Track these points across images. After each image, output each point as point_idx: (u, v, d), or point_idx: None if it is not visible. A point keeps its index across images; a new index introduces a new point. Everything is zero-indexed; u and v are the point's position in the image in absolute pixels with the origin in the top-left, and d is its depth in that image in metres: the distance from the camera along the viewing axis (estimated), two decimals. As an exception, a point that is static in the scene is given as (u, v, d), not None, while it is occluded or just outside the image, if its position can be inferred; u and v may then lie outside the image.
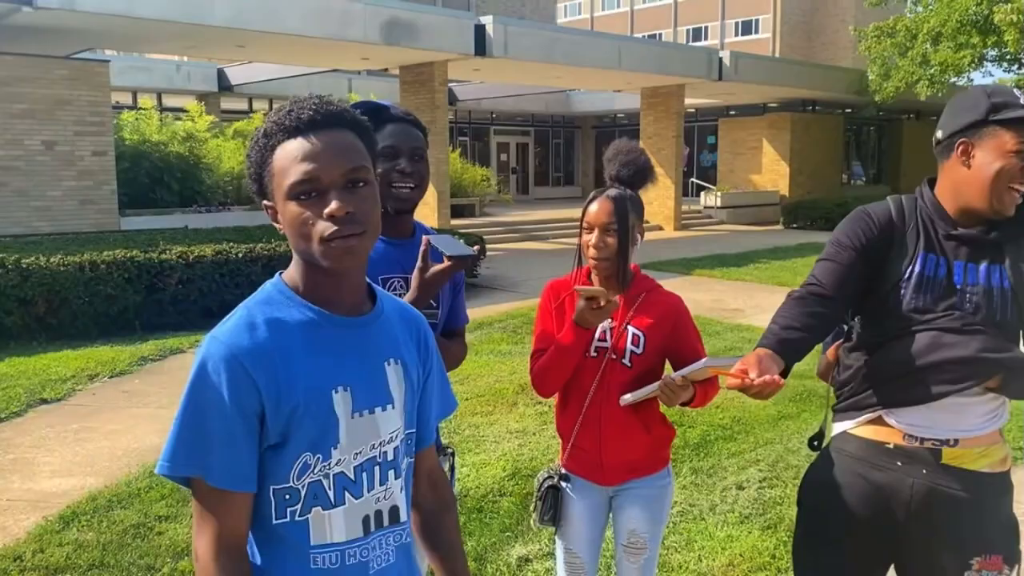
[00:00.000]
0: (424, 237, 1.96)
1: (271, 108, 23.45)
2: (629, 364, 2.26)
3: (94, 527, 3.83)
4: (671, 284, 10.45)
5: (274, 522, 1.30)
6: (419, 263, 1.94)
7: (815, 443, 2.21)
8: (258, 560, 1.33)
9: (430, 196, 15.87)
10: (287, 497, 1.29)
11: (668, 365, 2.35)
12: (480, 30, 14.93)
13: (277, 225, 1.33)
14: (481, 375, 6.47)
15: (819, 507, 2.07)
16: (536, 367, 2.31)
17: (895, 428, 1.95)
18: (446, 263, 1.94)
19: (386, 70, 18.76)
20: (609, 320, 2.26)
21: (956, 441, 1.91)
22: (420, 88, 15.71)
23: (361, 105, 1.97)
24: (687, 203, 22.57)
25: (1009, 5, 17.33)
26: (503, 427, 5.23)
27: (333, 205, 1.25)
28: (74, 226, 12.10)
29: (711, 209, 23.09)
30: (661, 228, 20.68)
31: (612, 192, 2.27)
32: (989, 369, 1.86)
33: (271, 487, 1.29)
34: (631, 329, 2.27)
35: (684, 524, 3.85)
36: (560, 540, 2.39)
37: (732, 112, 26.19)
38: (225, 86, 21.62)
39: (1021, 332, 1.94)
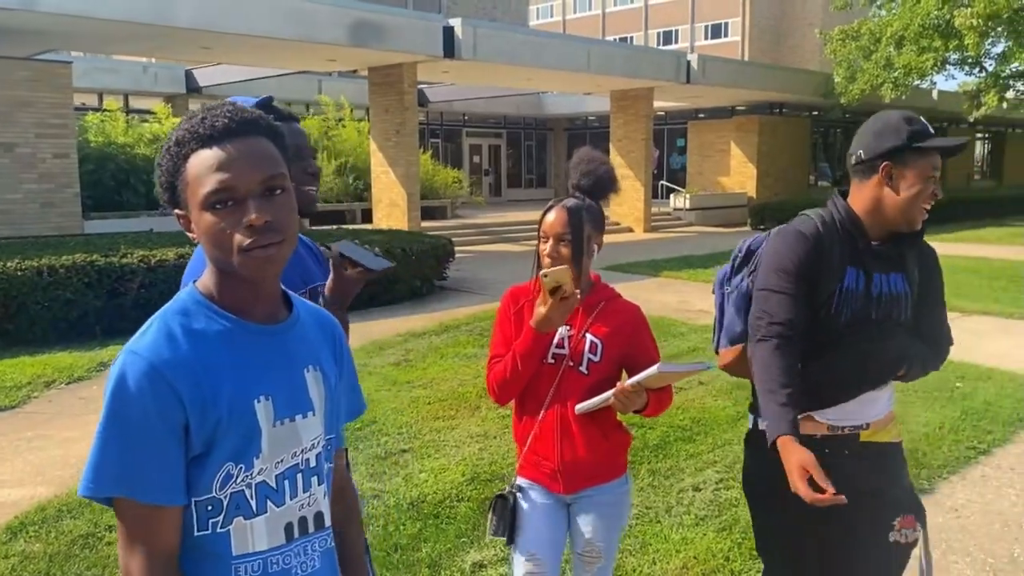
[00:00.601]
0: (333, 247, 1.93)
1: (240, 110, 23.25)
2: (586, 372, 2.27)
3: (42, 538, 3.76)
4: (639, 286, 10.55)
5: (196, 534, 1.29)
6: (333, 274, 1.91)
7: (747, 442, 2.38)
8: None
9: (399, 198, 15.84)
10: (209, 508, 1.28)
11: (624, 374, 2.35)
12: (449, 32, 14.91)
13: (191, 234, 1.31)
14: (445, 379, 6.46)
15: (766, 497, 2.25)
16: (493, 374, 2.31)
17: (821, 422, 2.19)
18: (358, 273, 1.92)
19: (355, 71, 18.68)
20: (567, 327, 2.27)
21: (868, 425, 2.21)
22: (389, 90, 15.65)
23: (261, 104, 1.91)
24: (657, 205, 22.70)
25: (969, 9, 17.62)
26: (465, 431, 5.22)
27: (252, 215, 1.24)
28: (36, 230, 11.91)
29: (680, 211, 23.24)
30: (631, 230, 20.77)
31: (569, 202, 2.28)
32: (903, 366, 2.18)
33: (193, 499, 1.27)
34: (589, 337, 2.28)
35: (640, 527, 3.86)
36: (518, 549, 2.35)
37: (701, 115, 26.39)
38: (193, 88, 21.38)
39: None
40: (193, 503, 1.27)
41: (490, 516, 2.38)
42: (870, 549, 2.18)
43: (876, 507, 2.17)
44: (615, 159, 21.07)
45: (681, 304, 10.00)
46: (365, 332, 8.31)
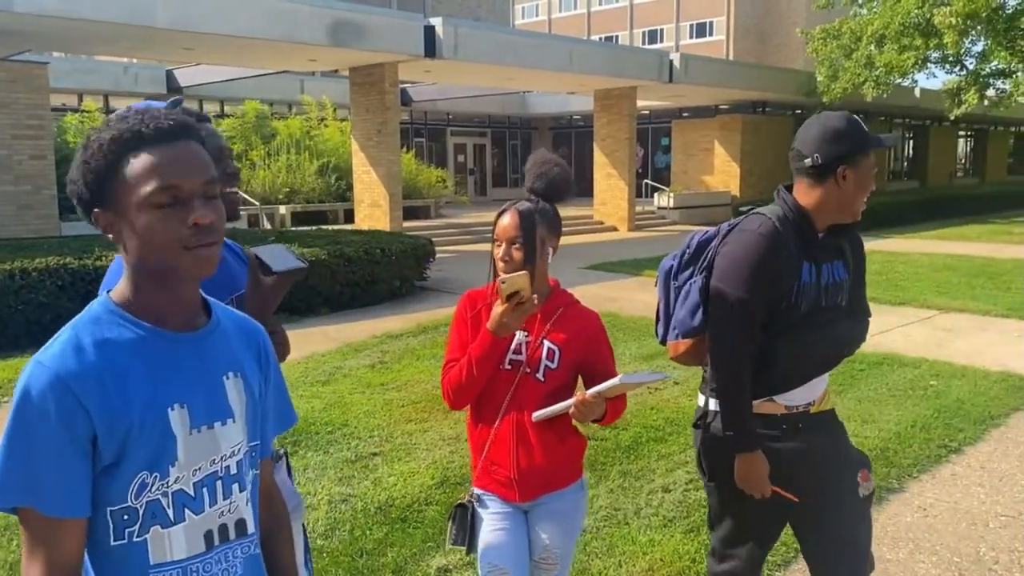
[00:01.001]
0: (250, 251, 1.90)
1: (222, 110, 23.14)
2: (543, 378, 2.25)
3: (3, 546, 3.72)
4: (620, 285, 10.54)
5: (112, 544, 1.27)
6: (249, 280, 1.87)
7: (699, 424, 2.42)
8: None
9: (381, 198, 15.79)
10: (125, 518, 1.27)
11: (581, 382, 2.34)
12: (430, 31, 14.86)
13: (110, 235, 1.30)
14: (420, 381, 6.43)
15: (729, 476, 2.34)
16: (448, 378, 2.28)
17: (779, 403, 2.32)
18: (275, 279, 1.87)
19: (336, 71, 18.61)
20: (525, 333, 2.25)
21: (815, 401, 2.36)
22: (370, 89, 15.60)
23: (172, 106, 1.87)
24: (641, 204, 22.73)
25: (948, 8, 17.72)
26: (437, 434, 5.19)
27: (197, 214, 1.25)
28: (11, 232, 11.81)
29: (664, 210, 23.28)
30: (615, 229, 20.80)
31: (522, 206, 2.26)
32: (849, 349, 2.39)
33: (108, 509, 1.26)
34: (547, 343, 2.26)
35: (607, 529, 3.85)
36: (481, 560, 2.32)
37: (685, 114, 26.44)
38: (174, 88, 21.21)
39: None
40: (108, 512, 1.26)
41: (449, 525, 2.37)
42: (843, 507, 2.33)
43: (839, 467, 2.34)
44: (599, 158, 21.12)
45: (661, 303, 10.00)
46: (341, 334, 8.27)
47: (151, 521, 1.28)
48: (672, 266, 2.44)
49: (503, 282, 2.09)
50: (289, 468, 2.20)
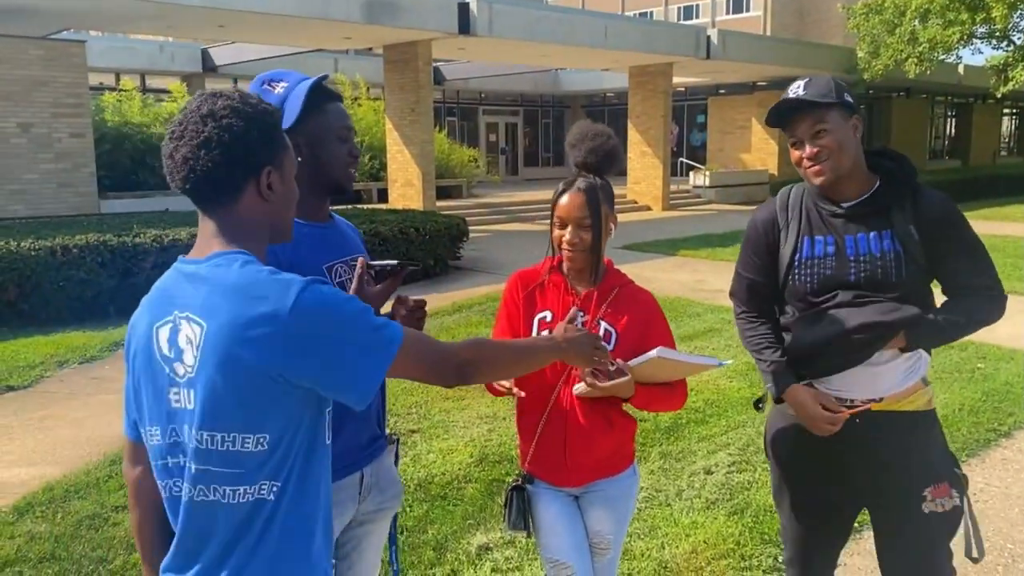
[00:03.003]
0: (360, 259, 1.88)
1: (256, 89, 23.22)
2: None
3: (48, 518, 3.76)
4: (655, 265, 10.44)
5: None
6: (355, 285, 1.84)
7: (760, 404, 2.42)
8: None
9: (415, 177, 15.77)
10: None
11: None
12: (464, 8, 14.75)
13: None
14: (456, 359, 6.40)
15: (785, 457, 2.31)
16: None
17: (826, 392, 2.16)
18: (382, 284, 1.87)
19: (370, 49, 18.57)
20: (582, 313, 2.15)
21: (881, 399, 2.12)
22: (404, 67, 15.54)
23: (287, 76, 1.88)
24: (676, 183, 22.46)
25: (998, -19, 17.20)
26: (474, 412, 5.17)
27: None
28: (52, 209, 11.97)
29: (700, 188, 22.99)
30: (649, 208, 20.59)
31: (582, 184, 2.14)
32: (885, 333, 2.06)
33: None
34: (603, 324, 2.16)
35: (649, 510, 3.80)
36: (544, 554, 2.26)
37: (722, 91, 26.03)
38: (210, 67, 21.36)
39: (924, 288, 2.13)
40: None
41: (505, 511, 2.27)
42: (903, 520, 2.14)
43: (902, 476, 2.12)
44: (633, 136, 20.89)
45: (698, 284, 9.89)
46: (378, 312, 8.28)
47: None
48: None
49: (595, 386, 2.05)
50: (397, 455, 2.16)
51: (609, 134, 2.22)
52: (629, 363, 2.04)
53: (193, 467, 1.35)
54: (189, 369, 1.34)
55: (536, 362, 1.75)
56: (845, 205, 2.12)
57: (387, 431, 2.11)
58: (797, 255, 2.14)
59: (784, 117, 2.11)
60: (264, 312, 1.29)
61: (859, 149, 2.10)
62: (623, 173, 21.47)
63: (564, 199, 2.15)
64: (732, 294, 2.35)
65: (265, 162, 1.42)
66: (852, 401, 2.13)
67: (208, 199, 1.42)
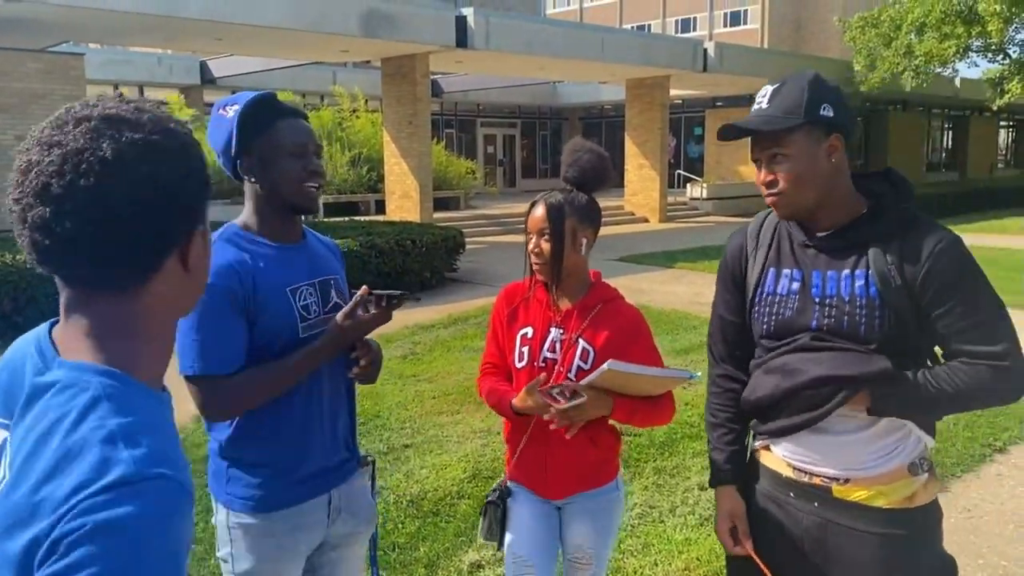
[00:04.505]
0: (364, 288, 1.88)
1: (254, 101, 23.27)
2: (574, 379, 2.14)
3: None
4: (652, 277, 10.40)
5: None
6: (348, 308, 1.86)
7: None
8: None
9: (412, 189, 15.78)
10: None
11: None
12: (461, 22, 14.80)
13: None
14: (451, 373, 6.40)
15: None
16: (481, 386, 2.30)
17: (780, 458, 1.82)
18: (374, 311, 1.87)
19: (368, 62, 18.62)
20: (560, 330, 2.19)
21: (847, 480, 1.72)
22: (402, 80, 15.58)
23: (242, 98, 1.85)
24: (673, 195, 22.50)
25: (993, -5, 17.31)
26: (468, 427, 5.16)
27: None
28: (49, 222, 11.96)
29: (697, 201, 23.03)
30: (647, 220, 20.62)
31: (550, 197, 2.19)
32: (845, 389, 1.67)
33: None
34: (582, 342, 2.17)
35: (643, 527, 3.79)
36: (507, 551, 2.29)
37: (719, 103, 26.13)
38: (208, 79, 21.44)
39: (907, 346, 1.69)
40: None
41: (482, 520, 2.33)
42: None
43: None
44: (630, 148, 20.93)
45: (695, 296, 9.89)
46: (374, 325, 8.26)
47: None
48: None
49: (559, 398, 2.02)
50: (374, 478, 2.16)
51: (593, 150, 2.23)
52: (581, 382, 2.05)
53: None
54: None
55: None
56: (820, 234, 1.74)
57: (361, 453, 2.11)
58: (759, 289, 1.80)
59: (728, 138, 1.79)
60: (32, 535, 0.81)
61: (836, 173, 1.70)
62: (617, 186, 21.51)
63: (534, 211, 2.21)
64: (708, 343, 1.99)
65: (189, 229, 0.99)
66: (808, 475, 1.76)
67: (91, 281, 0.94)
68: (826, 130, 1.69)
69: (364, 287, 1.88)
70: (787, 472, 1.80)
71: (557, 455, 2.20)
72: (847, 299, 1.68)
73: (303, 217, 2.00)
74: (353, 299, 1.86)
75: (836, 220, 1.73)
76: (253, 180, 1.87)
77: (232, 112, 1.83)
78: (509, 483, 2.33)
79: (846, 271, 1.69)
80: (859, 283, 1.68)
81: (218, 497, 1.91)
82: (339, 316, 1.85)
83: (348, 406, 2.05)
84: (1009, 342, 1.62)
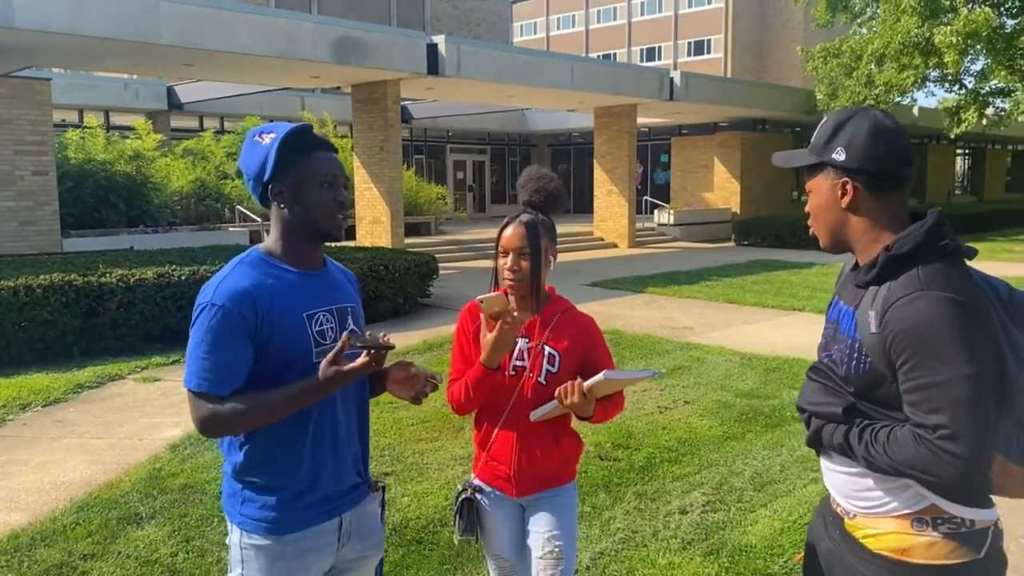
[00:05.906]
0: (345, 334, 1.86)
1: (222, 126, 23.14)
2: (544, 383, 2.35)
3: (14, 567, 3.65)
4: (624, 302, 10.45)
5: None
6: (331, 356, 1.83)
7: None
8: None
9: (383, 215, 15.78)
10: None
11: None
12: (432, 49, 14.91)
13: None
14: (429, 399, 6.34)
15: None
16: (451, 393, 2.41)
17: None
18: (361, 360, 1.85)
19: (338, 88, 18.63)
20: (526, 339, 2.38)
21: (855, 515, 1.71)
22: (372, 106, 15.62)
23: (279, 127, 1.91)
24: (641, 221, 22.74)
25: (948, 28, 17.83)
26: (448, 453, 5.14)
27: None
28: (13, 248, 11.76)
29: (665, 227, 23.30)
30: (616, 246, 20.79)
31: (525, 217, 2.39)
32: (809, 420, 1.74)
33: None
34: (547, 348, 2.38)
35: (626, 552, 3.80)
36: (487, 553, 2.48)
37: (684, 131, 26.51)
38: (175, 104, 21.28)
39: (887, 391, 1.59)
40: None
41: (456, 520, 2.46)
42: None
43: None
44: (599, 175, 21.16)
45: (666, 320, 9.98)
46: (348, 351, 8.21)
47: None
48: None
49: (482, 302, 2.19)
50: (384, 503, 2.17)
51: (553, 177, 2.49)
52: (586, 384, 2.22)
53: None
54: None
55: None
56: (854, 269, 1.76)
57: (371, 479, 2.14)
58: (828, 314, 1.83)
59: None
60: None
61: (851, 216, 1.68)
62: (586, 212, 21.66)
63: (508, 230, 2.37)
64: None
65: None
66: (837, 503, 1.77)
67: None
68: (840, 173, 1.67)
69: (345, 335, 1.86)
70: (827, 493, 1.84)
71: (524, 457, 2.38)
72: (845, 337, 1.67)
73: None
74: (335, 348, 1.84)
75: (866, 256, 1.68)
76: (282, 206, 1.93)
77: (268, 140, 1.90)
78: (476, 481, 2.47)
79: (852, 309, 1.67)
80: (845, 321, 1.69)
81: (232, 518, 1.95)
82: (323, 364, 1.84)
83: (361, 431, 2.09)
84: (949, 417, 1.47)
